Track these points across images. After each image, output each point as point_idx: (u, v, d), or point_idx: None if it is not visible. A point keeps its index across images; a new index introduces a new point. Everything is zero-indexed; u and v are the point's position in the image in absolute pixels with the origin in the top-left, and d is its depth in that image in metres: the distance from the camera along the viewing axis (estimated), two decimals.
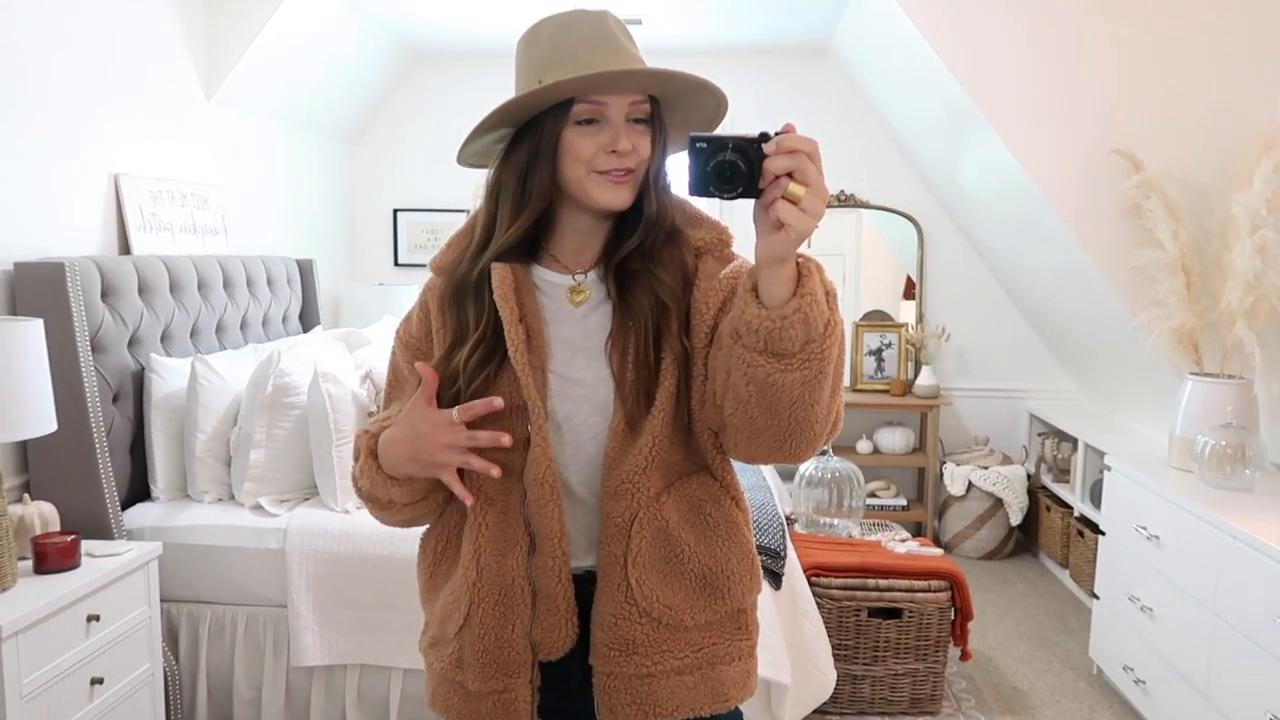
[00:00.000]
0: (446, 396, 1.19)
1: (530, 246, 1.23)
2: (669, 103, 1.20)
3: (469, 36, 4.43)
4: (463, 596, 1.22)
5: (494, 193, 1.21)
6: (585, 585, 1.22)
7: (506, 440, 1.12)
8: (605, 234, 1.24)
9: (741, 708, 2.39)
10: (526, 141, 1.17)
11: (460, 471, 1.16)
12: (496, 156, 1.22)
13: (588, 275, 1.24)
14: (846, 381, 4.70)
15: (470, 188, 4.78)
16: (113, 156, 2.94)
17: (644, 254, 1.19)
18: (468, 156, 1.25)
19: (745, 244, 1.05)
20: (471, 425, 1.15)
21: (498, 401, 1.13)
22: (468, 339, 1.20)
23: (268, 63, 3.60)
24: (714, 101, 1.20)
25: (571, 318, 1.22)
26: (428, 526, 1.33)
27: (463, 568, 1.23)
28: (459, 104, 4.74)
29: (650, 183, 1.19)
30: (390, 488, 1.20)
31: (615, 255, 1.21)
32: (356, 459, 1.24)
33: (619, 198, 1.17)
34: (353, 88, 4.45)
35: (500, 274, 1.19)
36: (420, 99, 4.85)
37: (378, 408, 2.76)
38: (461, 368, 1.18)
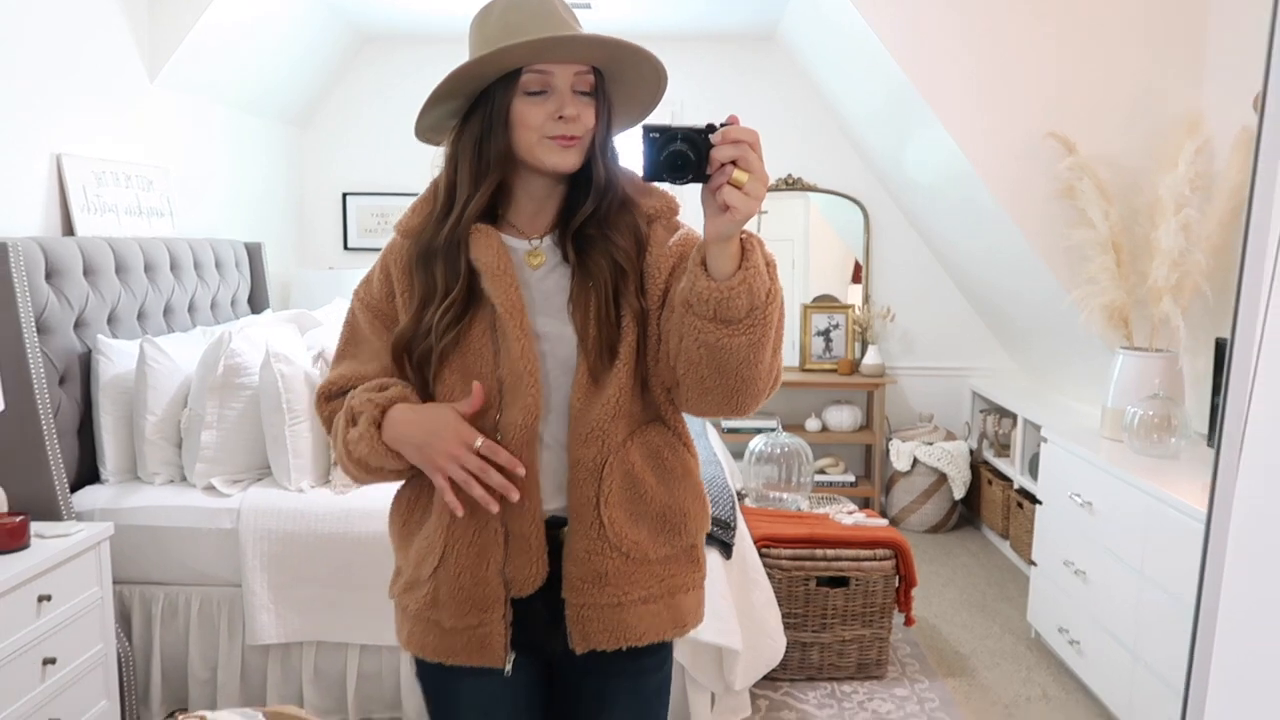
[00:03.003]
0: (417, 353, 1.27)
1: (488, 213, 1.29)
2: (612, 76, 1.27)
3: (416, 20, 4.42)
4: (437, 540, 1.28)
5: (452, 162, 1.28)
6: (551, 527, 1.29)
7: (514, 495, 1.20)
8: (558, 201, 1.31)
9: (695, 675, 2.47)
10: (478, 113, 1.24)
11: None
12: (451, 129, 1.29)
13: (543, 240, 1.31)
14: (796, 362, 4.79)
15: (419, 171, 4.77)
16: (54, 136, 2.89)
17: (599, 220, 1.27)
18: (424, 131, 1.31)
19: (693, 221, 1.11)
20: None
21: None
22: (436, 299, 1.26)
23: (212, 44, 3.56)
24: (654, 74, 1.27)
25: (530, 279, 1.29)
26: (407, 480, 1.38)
27: (436, 513, 1.29)
28: (407, 88, 4.72)
29: (598, 151, 1.26)
30: (386, 458, 1.26)
31: (571, 221, 1.28)
32: (353, 423, 1.27)
33: (567, 160, 1.24)
34: (300, 70, 4.41)
35: (485, 239, 1.26)
36: (368, 82, 4.82)
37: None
38: (434, 325, 1.25)
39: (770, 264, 1.14)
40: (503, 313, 1.24)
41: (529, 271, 1.29)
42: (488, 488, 1.20)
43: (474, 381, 1.23)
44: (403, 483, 1.38)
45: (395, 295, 1.33)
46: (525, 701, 1.34)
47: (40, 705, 2.15)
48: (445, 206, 1.28)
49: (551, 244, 1.31)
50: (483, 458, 1.20)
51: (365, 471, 1.30)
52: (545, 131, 1.22)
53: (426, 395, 1.31)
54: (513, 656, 1.30)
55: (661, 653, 1.37)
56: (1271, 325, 0.59)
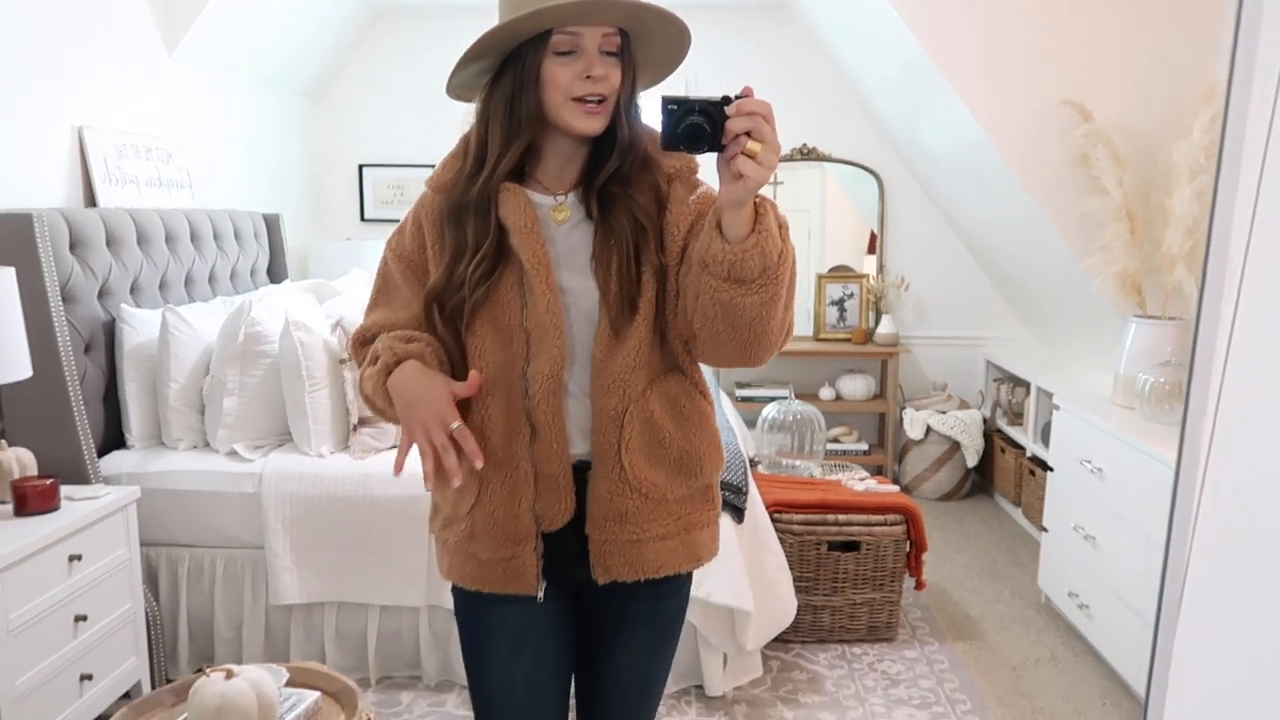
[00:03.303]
0: (449, 305, 1.35)
1: (516, 170, 1.34)
2: (638, 38, 1.31)
3: None
4: (473, 480, 1.36)
5: (484, 119, 1.33)
6: (579, 470, 1.38)
7: (456, 481, 1.25)
8: (583, 158, 1.36)
9: (707, 636, 2.55)
10: (509, 72, 1.29)
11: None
12: (482, 88, 1.34)
13: (568, 196, 1.36)
14: (810, 331, 4.81)
15: (434, 143, 4.79)
16: (76, 109, 2.94)
17: (622, 179, 1.33)
18: (455, 88, 1.36)
19: (711, 179, 1.16)
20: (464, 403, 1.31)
21: (480, 462, 1.27)
22: (467, 254, 1.32)
23: (228, 17, 3.58)
24: (678, 36, 1.31)
25: (555, 234, 1.35)
26: None
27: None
28: (421, 60, 4.74)
29: (622, 110, 1.31)
30: (385, 401, 1.34)
31: (595, 179, 1.33)
32: (372, 363, 1.35)
33: (593, 124, 1.29)
34: (315, 43, 4.43)
35: (514, 197, 1.31)
36: (383, 55, 4.83)
37: (348, 355, 2.82)
38: (467, 279, 1.32)
39: (783, 226, 1.20)
40: (530, 269, 1.30)
41: (554, 228, 1.35)
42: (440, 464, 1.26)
43: (473, 371, 1.30)
44: None
45: (426, 247, 1.39)
46: (553, 627, 1.43)
47: (73, 660, 2.23)
48: (476, 163, 1.34)
49: (576, 200, 1.36)
50: (453, 440, 1.26)
51: (371, 408, 1.39)
52: (572, 91, 1.26)
53: (459, 345, 1.38)
54: (544, 585, 1.39)
55: (678, 582, 1.46)
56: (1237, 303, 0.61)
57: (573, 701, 1.57)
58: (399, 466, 1.29)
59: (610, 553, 1.37)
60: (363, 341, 1.44)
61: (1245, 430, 0.64)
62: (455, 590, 1.46)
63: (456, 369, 1.37)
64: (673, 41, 1.33)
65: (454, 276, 1.33)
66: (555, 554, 1.38)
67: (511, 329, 1.33)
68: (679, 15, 1.29)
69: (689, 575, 1.49)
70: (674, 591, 1.47)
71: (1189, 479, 0.66)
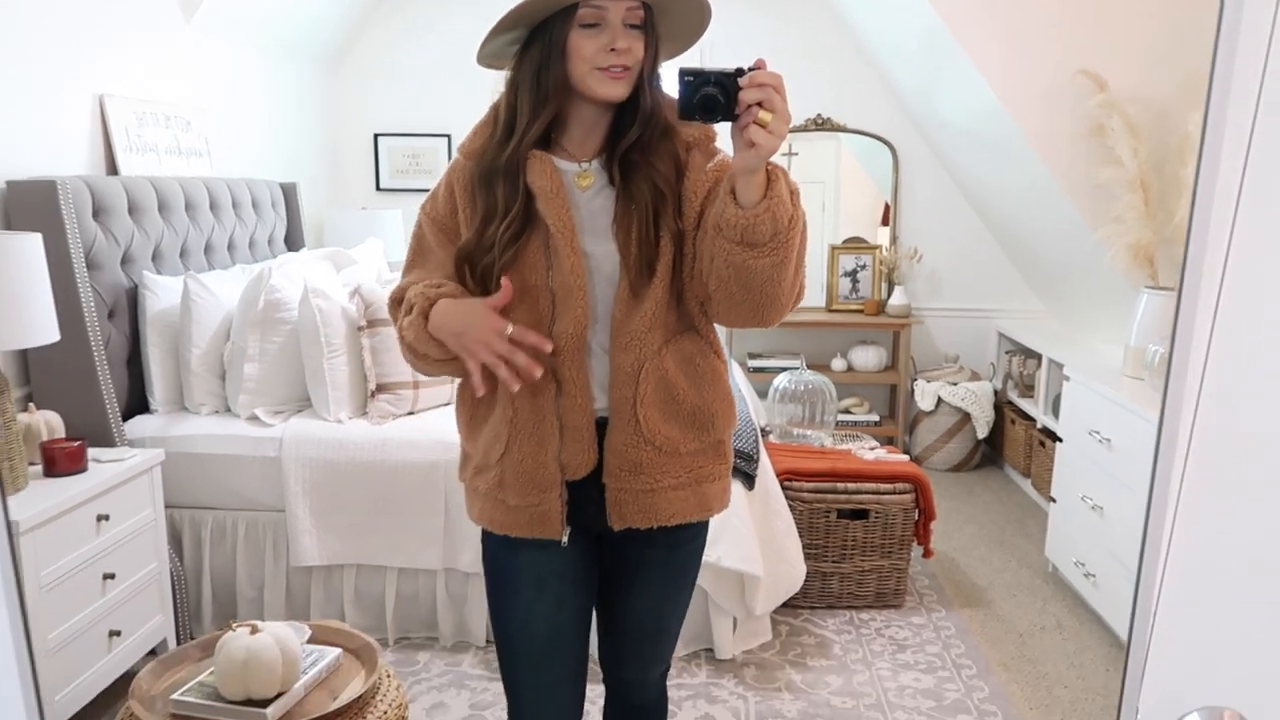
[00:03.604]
0: (480, 266, 1.40)
1: (542, 138, 1.40)
2: (660, 11, 1.37)
3: None
4: (502, 430, 1.43)
5: (513, 87, 1.40)
6: (599, 424, 1.44)
7: (538, 372, 1.32)
8: (606, 126, 1.42)
9: (718, 600, 2.61)
10: (538, 43, 1.34)
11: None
12: (511, 57, 1.40)
13: (592, 163, 1.42)
14: (822, 302, 4.83)
15: (450, 113, 4.82)
16: (97, 78, 2.97)
17: (643, 147, 1.38)
18: (485, 57, 1.41)
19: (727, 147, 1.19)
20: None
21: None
22: (497, 217, 1.38)
23: None
24: (699, 11, 1.38)
25: (579, 200, 1.41)
26: (463, 377, 1.50)
27: (500, 407, 1.44)
28: (437, 30, 4.74)
29: (645, 80, 1.37)
30: (430, 345, 1.39)
31: (618, 146, 1.39)
32: (408, 313, 1.41)
33: (617, 90, 1.34)
34: (331, 11, 4.43)
35: (540, 164, 1.37)
36: (399, 24, 4.83)
37: (366, 322, 2.87)
38: (496, 241, 1.38)
39: (794, 192, 1.26)
40: (555, 233, 1.36)
41: (578, 193, 1.41)
42: (514, 372, 1.32)
43: (505, 279, 1.35)
44: (463, 380, 1.50)
45: (458, 211, 1.45)
46: (574, 571, 1.51)
47: (102, 616, 2.30)
48: (505, 130, 1.39)
49: (599, 167, 1.42)
50: (514, 342, 1.32)
51: (415, 356, 1.44)
52: (597, 62, 1.32)
53: None
54: (568, 530, 1.46)
55: (692, 530, 1.54)
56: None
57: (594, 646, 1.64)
58: (479, 388, 1.35)
59: (625, 501, 1.44)
60: (398, 301, 1.50)
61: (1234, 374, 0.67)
62: (485, 535, 1.54)
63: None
64: (693, 15, 1.39)
65: (484, 238, 1.39)
66: (578, 502, 1.46)
67: (538, 289, 1.39)
68: None
69: (703, 524, 1.56)
70: (689, 539, 1.55)
71: (1171, 427, 0.69)
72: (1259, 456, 0.67)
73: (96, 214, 2.73)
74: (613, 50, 1.31)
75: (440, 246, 1.47)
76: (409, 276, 1.50)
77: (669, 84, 1.35)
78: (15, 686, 0.67)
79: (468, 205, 1.43)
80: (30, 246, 2.18)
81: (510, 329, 1.32)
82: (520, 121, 1.37)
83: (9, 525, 0.66)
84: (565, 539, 1.46)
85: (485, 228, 1.40)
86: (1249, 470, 0.67)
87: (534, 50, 1.35)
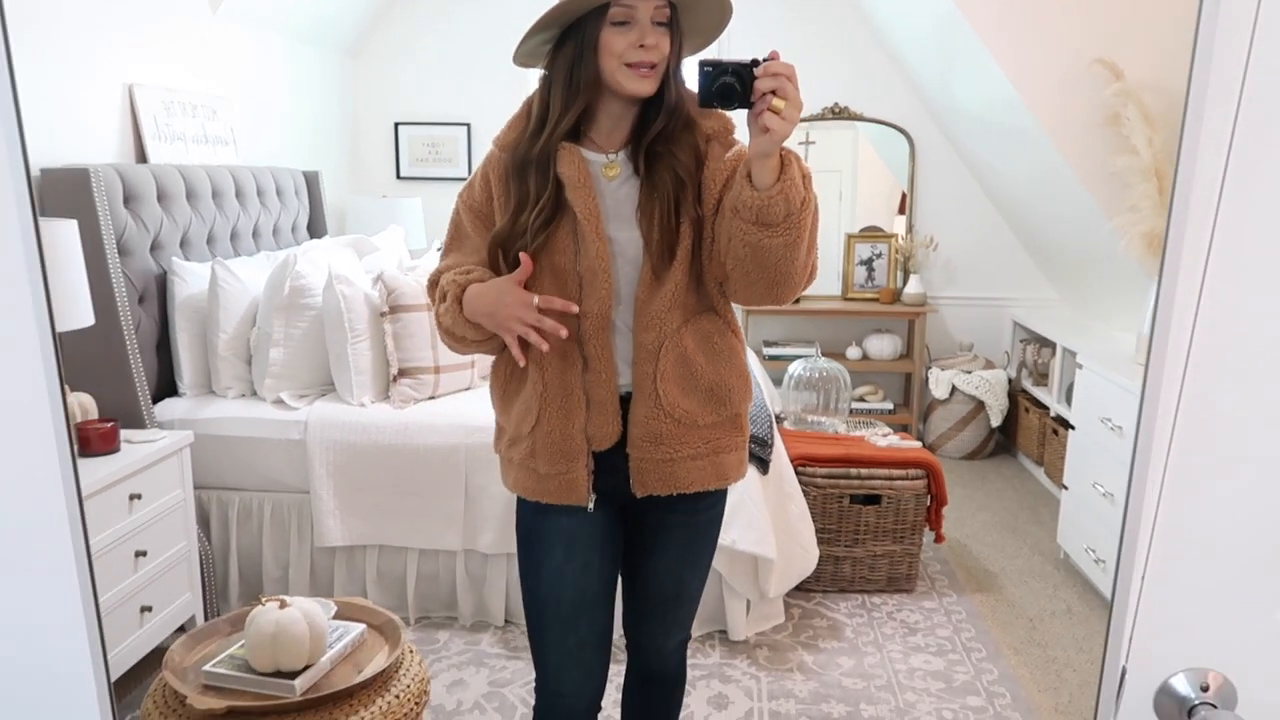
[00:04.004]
0: (512, 250, 1.50)
1: (572, 131, 1.49)
2: (684, 8, 1.45)
3: None
4: (533, 404, 1.54)
5: (547, 82, 1.49)
6: (624, 398, 1.55)
7: (564, 332, 1.43)
8: (632, 120, 1.51)
9: (732, 583, 2.68)
10: (571, 41, 1.43)
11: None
12: (544, 56, 1.49)
13: (618, 154, 1.52)
14: (838, 291, 4.86)
15: (469, 102, 4.86)
16: (127, 68, 3.03)
17: (666, 138, 1.48)
18: (521, 56, 1.50)
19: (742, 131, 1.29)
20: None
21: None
22: (529, 204, 1.48)
23: None
24: (720, 8, 1.47)
25: (606, 189, 1.50)
26: (499, 354, 1.62)
27: (531, 382, 1.54)
28: (458, 18, 4.78)
29: (670, 75, 1.46)
30: (467, 328, 1.51)
31: (643, 138, 1.48)
32: (442, 301, 1.53)
33: (645, 86, 1.43)
34: (352, 1, 4.49)
35: (570, 155, 1.46)
36: (420, 14, 4.87)
37: (389, 308, 2.93)
38: (528, 227, 1.48)
39: (806, 176, 1.35)
40: (583, 219, 1.46)
41: (605, 182, 1.50)
42: (543, 335, 1.43)
43: (523, 255, 1.45)
44: (497, 358, 1.62)
45: (493, 199, 1.55)
46: (600, 534, 1.60)
47: (134, 593, 2.38)
48: (538, 123, 1.49)
49: (625, 158, 1.51)
50: (541, 311, 1.42)
51: (454, 339, 1.56)
52: (626, 58, 1.41)
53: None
54: (594, 497, 1.56)
55: (711, 498, 1.63)
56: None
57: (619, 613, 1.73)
58: (520, 359, 1.48)
59: (647, 469, 1.54)
60: (434, 284, 1.60)
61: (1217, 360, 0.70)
62: (519, 504, 1.64)
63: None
64: (714, 12, 1.47)
65: (516, 224, 1.49)
66: (604, 471, 1.55)
67: (566, 272, 1.49)
68: None
69: (722, 492, 1.65)
70: (709, 505, 1.64)
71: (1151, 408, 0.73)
72: (1242, 429, 0.71)
73: (127, 201, 2.80)
74: (641, 46, 1.39)
75: (476, 232, 1.57)
76: (446, 260, 1.61)
77: (690, 78, 1.43)
78: (84, 646, 0.73)
79: (502, 194, 1.53)
80: (67, 233, 2.25)
81: (536, 299, 1.42)
82: (552, 115, 1.47)
83: (79, 492, 0.72)
84: (591, 505, 1.56)
85: (518, 214, 1.49)
86: (1232, 440, 0.71)
87: (567, 48, 1.43)
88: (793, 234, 1.34)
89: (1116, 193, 3.27)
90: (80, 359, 2.66)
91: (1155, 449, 0.70)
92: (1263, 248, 0.68)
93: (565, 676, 1.64)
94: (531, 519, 1.62)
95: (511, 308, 1.43)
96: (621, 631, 1.80)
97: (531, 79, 1.92)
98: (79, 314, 2.29)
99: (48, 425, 0.73)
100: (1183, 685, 0.75)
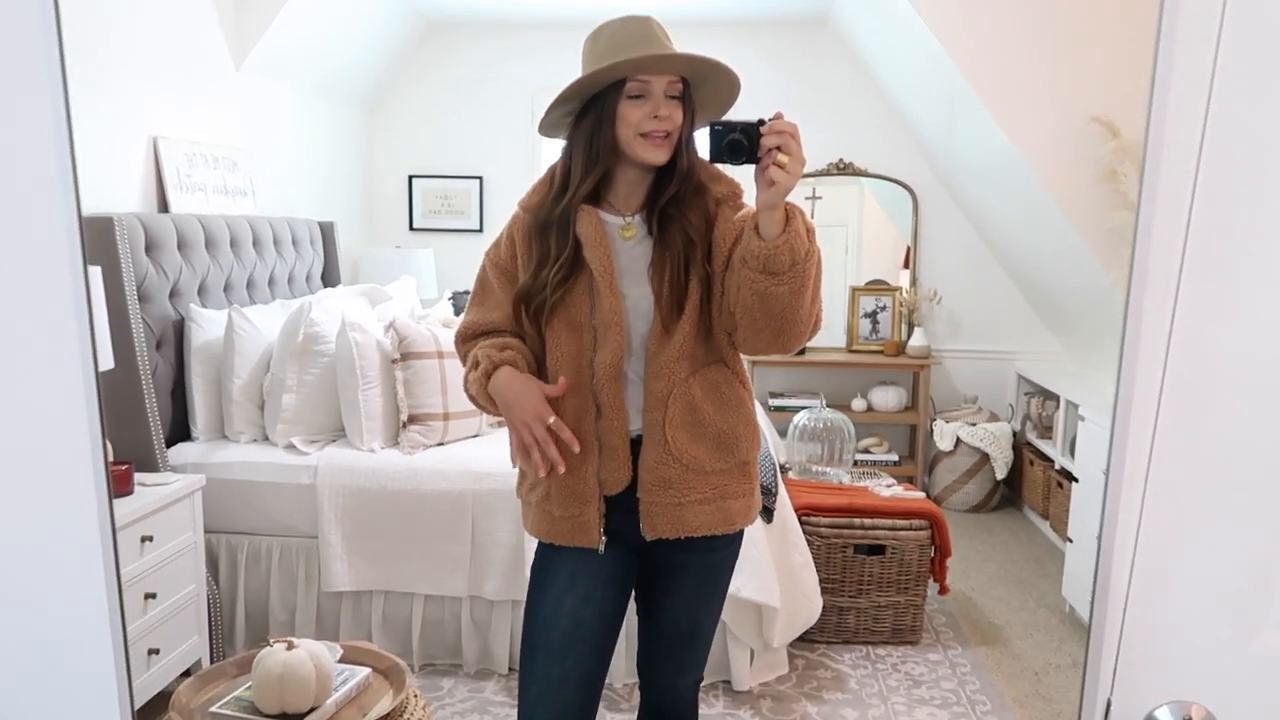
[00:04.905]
0: (533, 304, 1.61)
1: (592, 195, 1.61)
2: (696, 82, 1.57)
3: (481, 6, 4.60)
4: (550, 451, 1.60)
5: (568, 151, 1.61)
6: (633, 444, 1.63)
7: (562, 468, 1.54)
8: (648, 185, 1.62)
9: (736, 632, 2.70)
10: (591, 112, 1.55)
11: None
12: (566, 127, 1.61)
13: (635, 216, 1.63)
14: (843, 343, 4.90)
15: (480, 156, 4.98)
16: (151, 120, 3.14)
17: (678, 202, 1.58)
18: (545, 127, 1.63)
19: (749, 196, 1.41)
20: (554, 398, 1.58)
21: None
22: (550, 262, 1.59)
23: (291, 32, 3.78)
24: (730, 85, 1.58)
25: (621, 248, 1.61)
26: None
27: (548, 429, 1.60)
28: (471, 73, 4.91)
29: (683, 144, 1.57)
30: (486, 402, 1.63)
31: (657, 202, 1.59)
32: (474, 367, 1.63)
33: (659, 156, 1.54)
34: (368, 55, 4.63)
35: (588, 217, 1.57)
36: (435, 70, 5.02)
37: (400, 355, 2.98)
38: (548, 283, 1.58)
39: (810, 230, 1.44)
40: (598, 276, 1.56)
41: (621, 243, 1.61)
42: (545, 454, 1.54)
43: (561, 377, 1.57)
44: None
45: (517, 257, 1.66)
46: (608, 572, 1.67)
47: (142, 635, 2.40)
48: (560, 187, 1.60)
49: (641, 220, 1.62)
50: (551, 432, 1.52)
51: (476, 405, 1.66)
52: (641, 128, 1.52)
53: (540, 338, 1.64)
54: (604, 540, 1.63)
55: (723, 540, 1.69)
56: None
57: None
58: (514, 458, 1.57)
59: (656, 513, 1.61)
60: (464, 339, 1.72)
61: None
62: (538, 545, 1.71)
63: (540, 359, 1.65)
64: (724, 88, 1.58)
65: (537, 280, 1.60)
66: (616, 512, 1.63)
67: (582, 325, 1.59)
68: (713, 41, 1.48)
69: (734, 536, 1.71)
70: (724, 545, 1.71)
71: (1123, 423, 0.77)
72: (1219, 462, 0.75)
73: (148, 249, 2.87)
74: (656, 117, 1.50)
75: (500, 287, 1.69)
76: (472, 314, 1.72)
77: (702, 148, 1.52)
78: (110, 672, 0.77)
79: (525, 252, 1.64)
80: (92, 279, 2.31)
81: (552, 419, 1.52)
82: (573, 180, 1.58)
83: (113, 524, 0.76)
84: (602, 548, 1.63)
85: (539, 271, 1.60)
86: (1210, 473, 0.75)
87: (587, 119, 1.55)
88: (797, 282, 1.42)
89: (1115, 247, 3.33)
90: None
91: (1130, 479, 0.74)
92: (1228, 296, 0.73)
93: (540, 711, 1.65)
94: (545, 558, 1.70)
95: (527, 413, 1.53)
96: (631, 672, 1.86)
97: (543, 139, 2.01)
98: (100, 358, 2.33)
99: (88, 468, 0.77)
100: (1166, 718, 0.78)
